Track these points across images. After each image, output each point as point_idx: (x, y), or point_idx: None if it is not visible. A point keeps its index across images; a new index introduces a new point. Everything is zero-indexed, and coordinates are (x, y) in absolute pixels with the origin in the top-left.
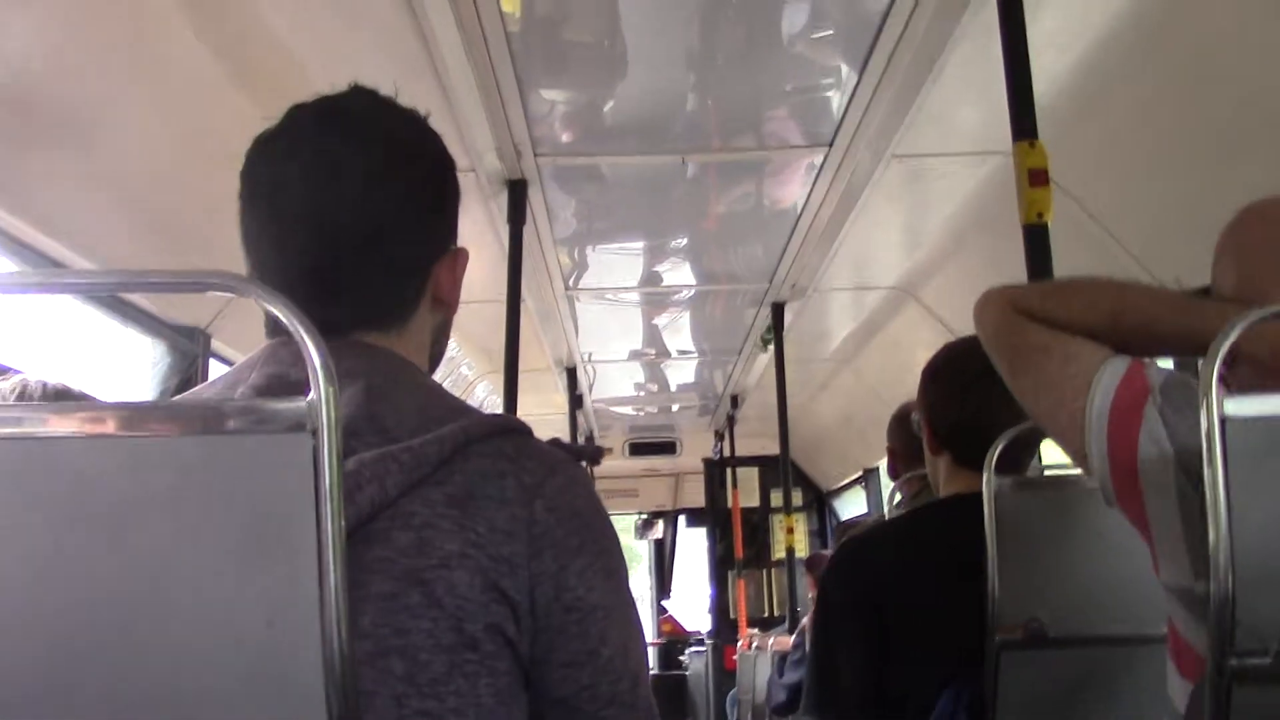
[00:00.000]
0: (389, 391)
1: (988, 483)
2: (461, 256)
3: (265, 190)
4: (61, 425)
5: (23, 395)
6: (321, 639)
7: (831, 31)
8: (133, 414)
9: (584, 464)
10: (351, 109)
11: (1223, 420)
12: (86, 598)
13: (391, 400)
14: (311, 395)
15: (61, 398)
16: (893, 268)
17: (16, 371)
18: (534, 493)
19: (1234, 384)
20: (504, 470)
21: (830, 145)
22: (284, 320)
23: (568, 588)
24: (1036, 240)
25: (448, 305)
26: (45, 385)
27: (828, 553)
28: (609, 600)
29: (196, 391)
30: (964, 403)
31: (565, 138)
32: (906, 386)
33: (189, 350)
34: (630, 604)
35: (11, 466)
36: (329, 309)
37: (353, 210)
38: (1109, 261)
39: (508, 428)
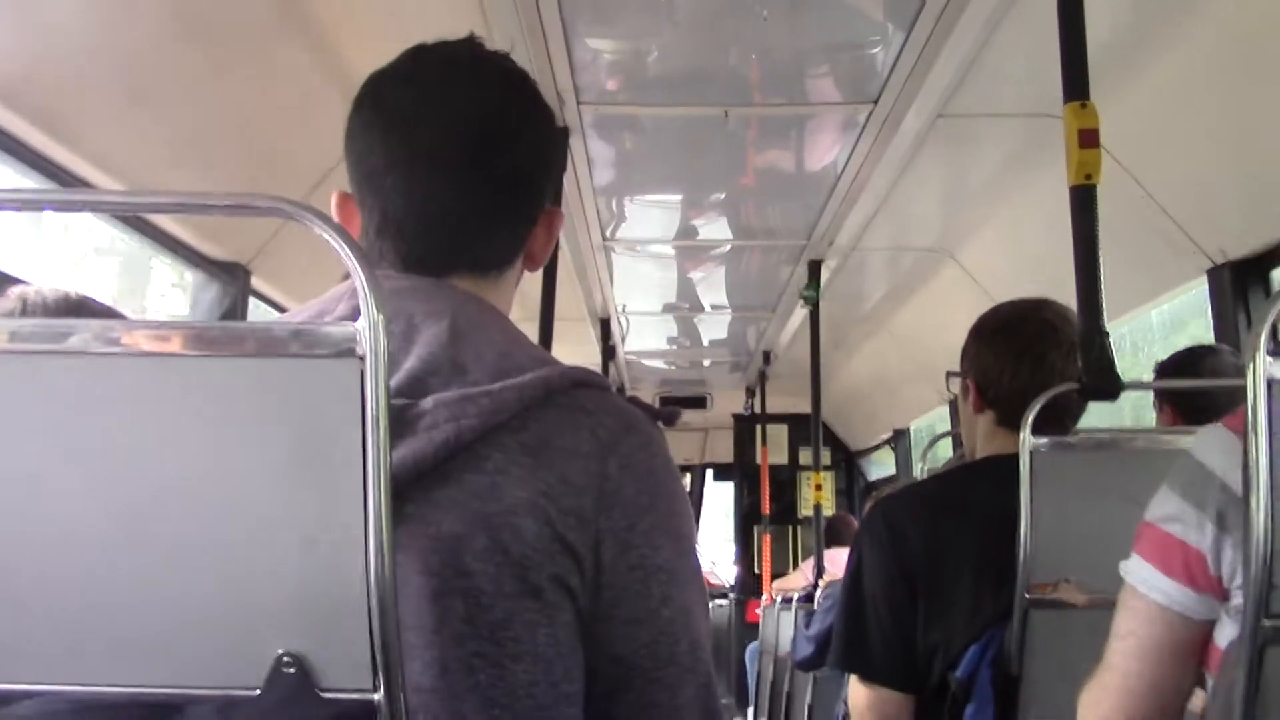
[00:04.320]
0: (472, 334)
1: (1024, 441)
2: (558, 217)
3: (397, 120)
4: (127, 340)
5: (25, 305)
6: (365, 560)
7: None
8: (189, 333)
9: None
10: (478, 57)
11: (1269, 382)
12: (129, 509)
13: (473, 343)
14: (360, 321)
15: (77, 308)
16: (932, 228)
17: (21, 281)
18: (609, 448)
19: None
20: (580, 423)
21: (875, 102)
22: (334, 246)
23: (633, 546)
24: (1084, 202)
25: (535, 262)
26: (47, 296)
27: (850, 517)
28: (674, 562)
29: (284, 318)
30: (1018, 367)
31: (609, 86)
32: (940, 349)
33: (229, 286)
34: (695, 568)
35: (71, 380)
36: (437, 250)
37: (489, 157)
38: (1152, 226)
39: (587, 381)
